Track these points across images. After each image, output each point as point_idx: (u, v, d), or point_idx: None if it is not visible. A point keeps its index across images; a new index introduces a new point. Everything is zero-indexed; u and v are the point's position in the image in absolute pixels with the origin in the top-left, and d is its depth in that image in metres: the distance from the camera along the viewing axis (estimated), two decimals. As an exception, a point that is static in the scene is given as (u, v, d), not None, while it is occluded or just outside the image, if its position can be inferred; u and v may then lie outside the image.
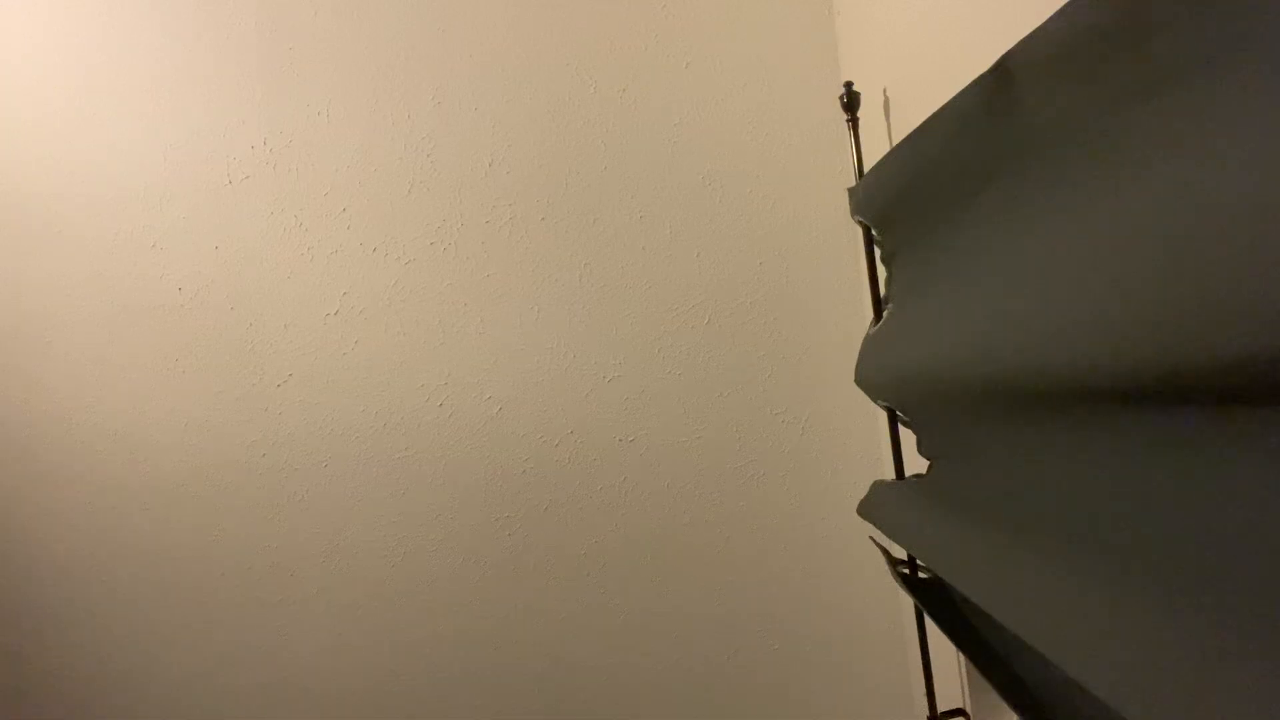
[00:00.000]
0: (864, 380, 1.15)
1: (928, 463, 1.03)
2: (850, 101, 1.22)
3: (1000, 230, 0.73)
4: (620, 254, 1.49)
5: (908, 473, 1.17)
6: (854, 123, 1.23)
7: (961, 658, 1.21)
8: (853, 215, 1.18)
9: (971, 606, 0.93)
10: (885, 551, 1.17)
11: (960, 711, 1.21)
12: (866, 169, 1.15)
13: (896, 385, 1.02)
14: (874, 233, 1.14)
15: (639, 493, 1.50)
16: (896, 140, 1.06)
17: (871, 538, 1.38)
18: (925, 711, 1.25)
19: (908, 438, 1.12)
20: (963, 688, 1.23)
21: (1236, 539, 0.45)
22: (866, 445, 1.52)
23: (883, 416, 1.32)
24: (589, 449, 1.49)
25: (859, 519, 1.23)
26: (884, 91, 1.24)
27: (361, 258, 1.46)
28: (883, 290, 1.15)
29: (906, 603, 1.47)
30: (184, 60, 1.44)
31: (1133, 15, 0.49)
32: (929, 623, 1.22)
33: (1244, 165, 0.40)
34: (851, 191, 1.15)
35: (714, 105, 1.51)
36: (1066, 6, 0.55)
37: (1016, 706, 0.79)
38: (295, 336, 1.45)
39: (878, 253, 1.16)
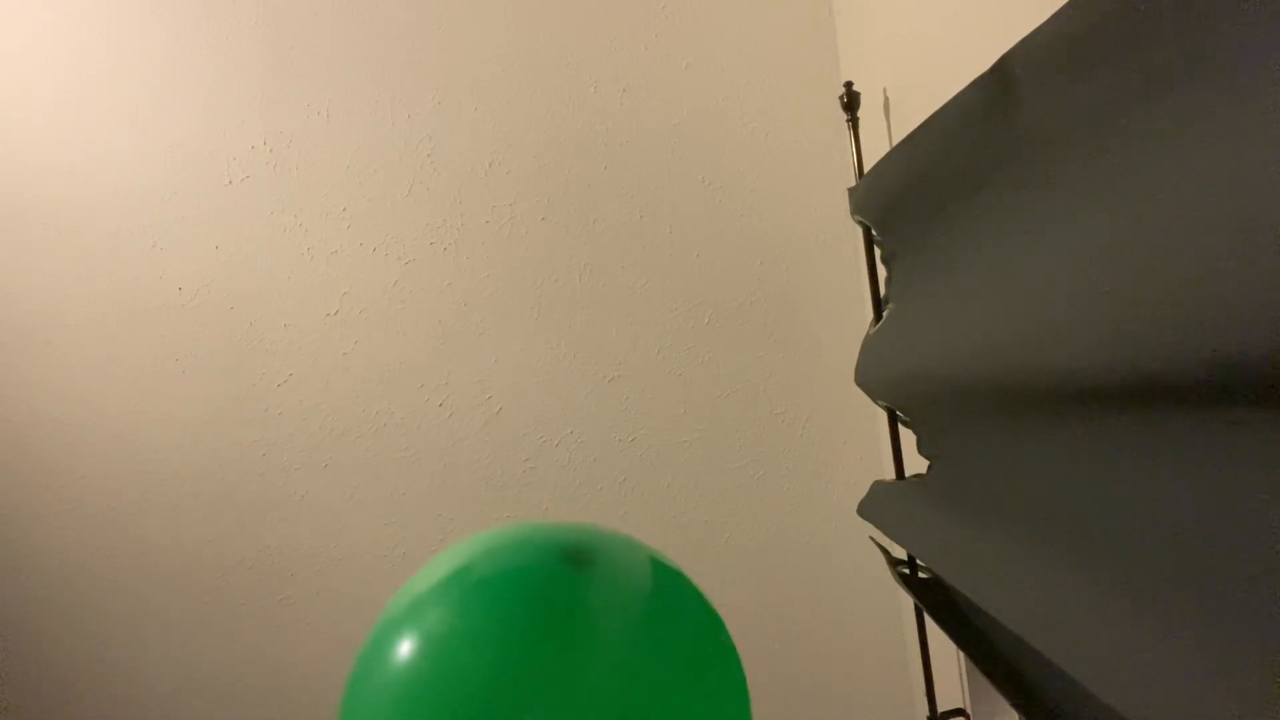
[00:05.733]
0: (864, 380, 1.15)
1: (928, 463, 1.03)
2: (850, 101, 1.22)
3: (1000, 230, 0.73)
4: (620, 254, 1.49)
5: (908, 473, 1.17)
6: (854, 123, 1.23)
7: (961, 658, 1.21)
8: (853, 215, 1.18)
9: (971, 606, 0.93)
10: (885, 551, 1.17)
11: (960, 711, 1.21)
12: (866, 169, 1.15)
13: (896, 385, 1.02)
14: (874, 233, 1.14)
15: (639, 493, 1.50)
16: (896, 140, 1.06)
17: (871, 538, 1.38)
18: (925, 711, 1.25)
19: (908, 438, 1.12)
20: (963, 688, 1.23)
21: (1236, 539, 0.45)
22: (866, 445, 1.52)
23: (883, 416, 1.32)
24: (589, 449, 1.49)
25: (859, 519, 1.23)
26: (884, 91, 1.24)
27: (361, 258, 1.46)
28: (883, 290, 1.15)
29: (906, 603, 1.47)
30: (184, 60, 1.44)
31: (1132, 15, 0.49)
32: (929, 623, 1.22)
33: (1244, 165, 0.40)
34: (851, 191, 1.15)
35: (714, 105, 1.50)
36: (1066, 6, 0.55)
37: (1016, 706, 0.79)
38: (295, 336, 1.45)
39: (878, 253, 1.16)
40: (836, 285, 1.52)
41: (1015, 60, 0.63)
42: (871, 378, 1.11)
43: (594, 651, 0.45)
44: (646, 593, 0.50)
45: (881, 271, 1.14)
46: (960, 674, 1.24)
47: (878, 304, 1.16)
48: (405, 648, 0.46)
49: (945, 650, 1.25)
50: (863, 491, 1.22)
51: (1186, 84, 0.46)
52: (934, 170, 0.84)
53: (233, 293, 1.45)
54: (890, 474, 1.22)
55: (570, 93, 1.49)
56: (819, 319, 1.52)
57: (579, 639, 0.45)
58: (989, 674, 0.85)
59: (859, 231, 1.24)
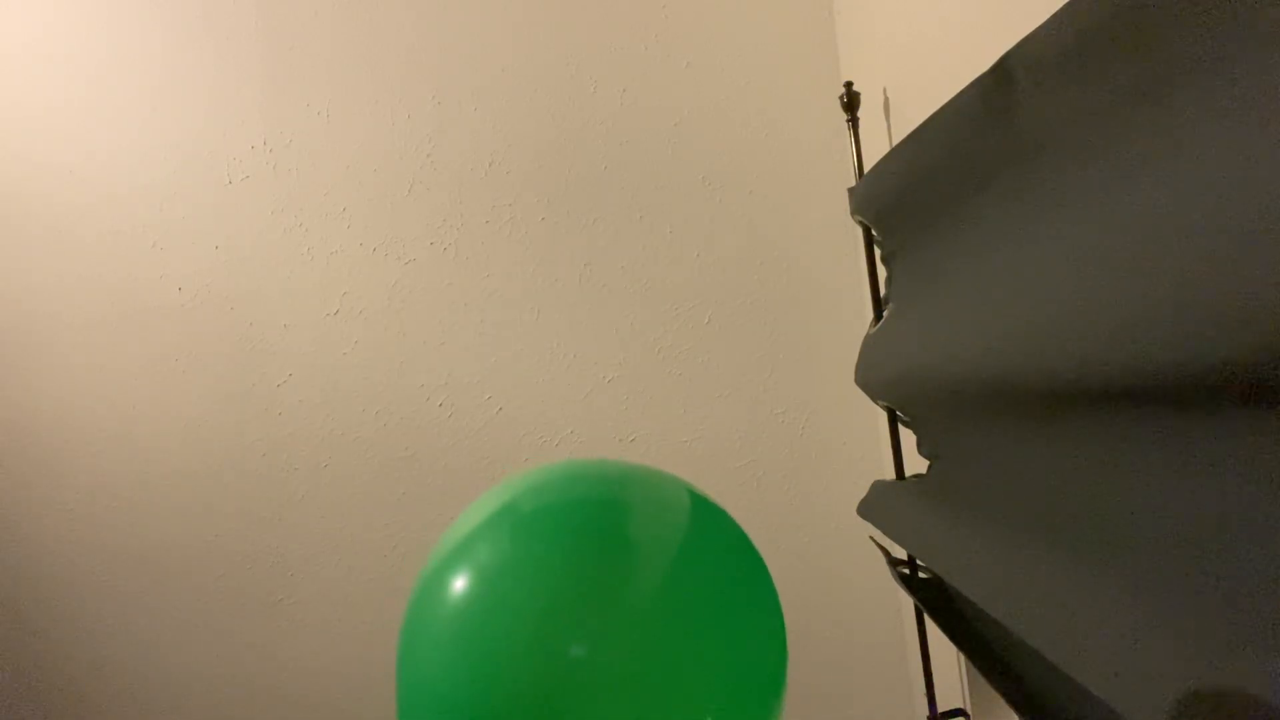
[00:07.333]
0: (864, 380, 1.15)
1: (928, 463, 1.03)
2: (850, 101, 1.22)
3: (1000, 230, 0.73)
4: (620, 254, 1.49)
5: (908, 473, 1.17)
6: (854, 123, 1.23)
7: (961, 658, 1.21)
8: (853, 215, 1.18)
9: (971, 606, 0.93)
10: (885, 551, 1.17)
11: (960, 711, 1.21)
12: (866, 169, 1.15)
13: (896, 385, 1.02)
14: (874, 233, 1.14)
15: (639, 493, 1.50)
16: (896, 140, 1.07)
17: (871, 538, 1.38)
18: (925, 711, 1.25)
19: (908, 438, 1.12)
20: (963, 688, 1.23)
21: (1235, 538, 0.45)
22: (866, 445, 1.52)
23: (883, 416, 1.32)
24: (589, 449, 1.49)
25: (859, 519, 1.22)
26: (884, 91, 1.24)
27: (361, 258, 1.46)
28: (883, 290, 1.15)
29: (906, 603, 1.47)
30: (184, 60, 1.44)
31: (1133, 15, 0.49)
32: (929, 623, 1.22)
33: (1244, 165, 0.40)
34: (851, 191, 1.15)
35: (714, 105, 1.50)
36: (1066, 6, 0.55)
37: (1016, 706, 0.79)
38: (295, 336, 1.45)
39: (878, 253, 1.16)
40: (836, 285, 1.52)
41: (1015, 60, 0.63)
42: (871, 378, 1.11)
43: (636, 583, 0.47)
44: (687, 527, 0.52)
45: (881, 271, 1.14)
46: (960, 674, 1.24)
47: (878, 304, 1.16)
48: (459, 584, 0.48)
49: (945, 650, 1.25)
50: (863, 491, 1.22)
51: (1186, 84, 0.46)
52: (934, 170, 0.84)
53: (233, 293, 1.45)
54: (890, 474, 1.22)
55: (570, 93, 1.49)
56: (819, 319, 1.52)
57: (622, 570, 0.47)
58: (989, 674, 0.85)
59: (859, 231, 1.24)
